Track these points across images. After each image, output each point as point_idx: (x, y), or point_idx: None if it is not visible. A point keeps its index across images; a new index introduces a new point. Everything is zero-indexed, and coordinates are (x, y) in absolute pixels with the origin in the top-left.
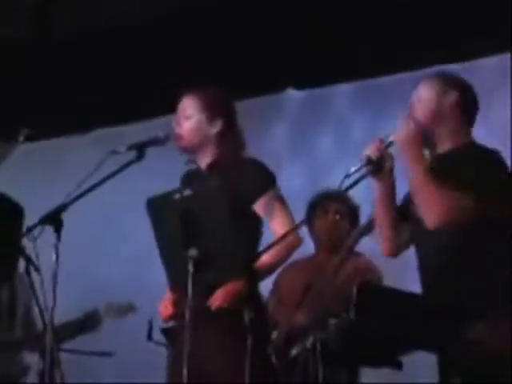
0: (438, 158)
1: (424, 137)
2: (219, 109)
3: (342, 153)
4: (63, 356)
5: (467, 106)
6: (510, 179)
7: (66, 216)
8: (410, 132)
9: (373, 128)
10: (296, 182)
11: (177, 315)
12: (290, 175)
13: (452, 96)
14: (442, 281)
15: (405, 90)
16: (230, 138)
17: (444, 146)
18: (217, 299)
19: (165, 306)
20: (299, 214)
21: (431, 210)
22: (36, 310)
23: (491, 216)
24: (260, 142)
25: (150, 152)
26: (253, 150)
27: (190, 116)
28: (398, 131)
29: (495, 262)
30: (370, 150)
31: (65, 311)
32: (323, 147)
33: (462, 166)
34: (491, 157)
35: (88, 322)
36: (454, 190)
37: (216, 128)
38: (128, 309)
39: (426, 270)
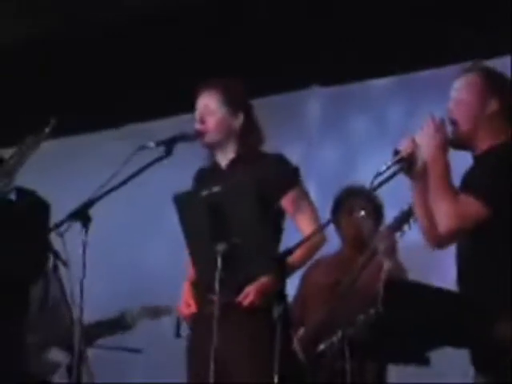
0: (476, 160)
1: (461, 139)
2: (240, 102)
3: (377, 143)
4: (92, 351)
5: (509, 108)
6: None
7: (98, 211)
8: (432, 133)
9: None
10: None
11: (197, 313)
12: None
13: (495, 104)
14: (474, 277)
15: (442, 84)
16: (251, 131)
17: (483, 146)
18: (248, 295)
19: (187, 303)
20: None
21: (444, 220)
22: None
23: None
24: (290, 135)
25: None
26: (281, 145)
27: (213, 112)
28: (421, 132)
29: None
30: (401, 147)
31: (100, 307)
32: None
33: (487, 171)
34: None
35: (121, 324)
36: (473, 196)
37: (239, 121)
38: (164, 311)
39: (459, 264)
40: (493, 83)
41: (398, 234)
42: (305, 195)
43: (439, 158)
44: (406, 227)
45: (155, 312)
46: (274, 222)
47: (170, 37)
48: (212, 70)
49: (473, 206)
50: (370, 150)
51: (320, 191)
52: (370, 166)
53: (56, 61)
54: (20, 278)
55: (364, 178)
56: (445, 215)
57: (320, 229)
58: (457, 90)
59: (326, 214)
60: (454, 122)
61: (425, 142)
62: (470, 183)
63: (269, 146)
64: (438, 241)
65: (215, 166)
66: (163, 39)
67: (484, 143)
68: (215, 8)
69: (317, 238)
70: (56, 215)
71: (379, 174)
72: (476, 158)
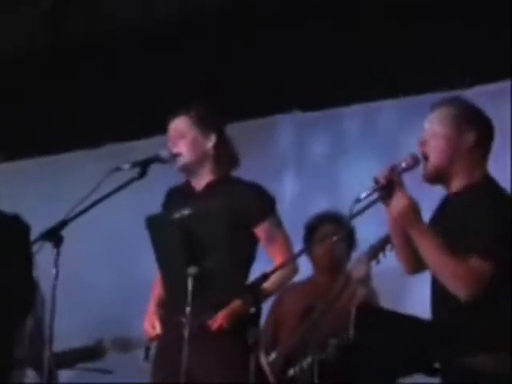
0: (453, 197)
1: (435, 174)
2: (211, 123)
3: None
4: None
5: (485, 144)
6: None
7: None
8: (406, 204)
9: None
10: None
11: (162, 335)
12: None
13: (471, 138)
14: (446, 305)
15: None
16: (225, 153)
17: (459, 182)
18: (218, 319)
19: (151, 325)
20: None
21: (459, 288)
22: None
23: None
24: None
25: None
26: (256, 171)
27: (184, 134)
28: (393, 205)
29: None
30: (381, 176)
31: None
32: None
33: (473, 212)
34: (502, 198)
35: (91, 353)
36: (479, 257)
37: (211, 142)
38: (135, 344)
39: (433, 292)
40: (469, 117)
41: (373, 262)
42: (278, 225)
43: (424, 229)
44: (381, 256)
45: (127, 345)
46: (247, 247)
47: (147, 58)
48: (188, 93)
49: (483, 269)
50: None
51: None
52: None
53: (30, 80)
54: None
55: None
56: (458, 284)
57: (294, 258)
58: (431, 123)
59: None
60: (426, 157)
61: (404, 220)
62: (457, 229)
63: (246, 171)
64: (414, 270)
65: (188, 187)
66: (141, 61)
67: (459, 179)
68: (189, 32)
69: (290, 268)
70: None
71: (358, 200)
72: (453, 196)
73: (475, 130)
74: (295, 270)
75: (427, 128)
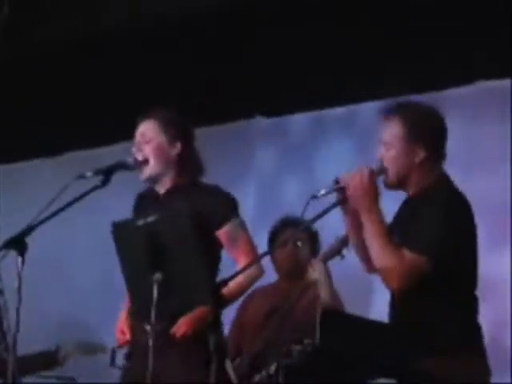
0: (410, 199)
1: (394, 184)
2: (178, 131)
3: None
4: (27, 381)
5: (437, 152)
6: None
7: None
8: (363, 182)
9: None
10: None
11: (131, 341)
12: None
13: (422, 153)
14: (405, 309)
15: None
16: (189, 161)
17: (416, 186)
18: (181, 326)
19: (121, 331)
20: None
21: (390, 280)
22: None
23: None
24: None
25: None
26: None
27: (150, 140)
28: (351, 180)
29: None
30: (343, 177)
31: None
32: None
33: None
34: (453, 199)
35: (51, 360)
36: (416, 251)
37: (176, 150)
38: (98, 349)
39: (392, 296)
40: (417, 131)
41: (333, 260)
42: (240, 227)
43: (373, 211)
44: (344, 251)
45: (90, 349)
46: (211, 252)
47: (113, 63)
48: (156, 98)
49: (418, 263)
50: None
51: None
52: None
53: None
54: None
55: None
56: (390, 275)
57: (256, 260)
58: (385, 136)
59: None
60: (384, 171)
61: (357, 192)
62: (405, 229)
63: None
64: (372, 268)
65: (154, 193)
66: (106, 65)
67: (416, 184)
68: (164, 35)
69: (254, 271)
70: None
71: (315, 196)
72: (410, 198)
73: (424, 146)
74: (260, 273)
75: (382, 139)
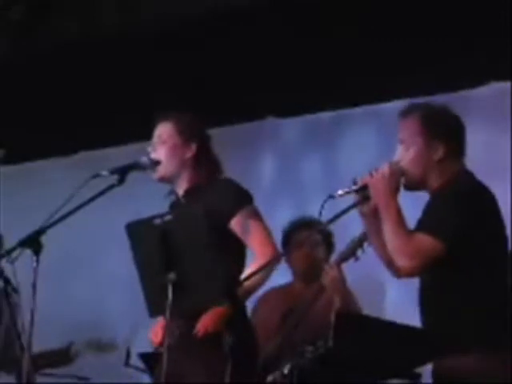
0: (431, 196)
1: (413, 184)
2: (193, 133)
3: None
4: (41, 380)
5: (456, 149)
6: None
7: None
8: (384, 178)
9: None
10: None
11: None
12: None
13: (441, 149)
14: (426, 311)
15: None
16: (205, 162)
17: (435, 183)
18: (203, 326)
19: (155, 332)
20: None
21: (401, 259)
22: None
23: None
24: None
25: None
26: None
27: (165, 141)
28: (372, 176)
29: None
30: (361, 179)
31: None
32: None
33: (436, 209)
34: (472, 192)
35: (63, 357)
36: (428, 233)
37: (191, 152)
38: (109, 346)
39: (419, 299)
40: (434, 127)
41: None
42: (253, 215)
43: (392, 204)
44: (359, 252)
45: (100, 345)
46: (232, 247)
47: (128, 65)
48: (170, 100)
49: (428, 244)
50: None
51: None
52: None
53: (12, 82)
54: None
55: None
56: (401, 255)
57: (269, 264)
58: (403, 135)
59: None
60: (404, 171)
61: (378, 186)
62: (424, 220)
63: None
64: (400, 274)
65: (177, 195)
66: (119, 65)
67: (436, 181)
68: (174, 38)
69: (270, 256)
70: (9, 242)
71: (332, 196)
72: (431, 194)
73: (444, 141)
74: (277, 257)
75: (400, 138)
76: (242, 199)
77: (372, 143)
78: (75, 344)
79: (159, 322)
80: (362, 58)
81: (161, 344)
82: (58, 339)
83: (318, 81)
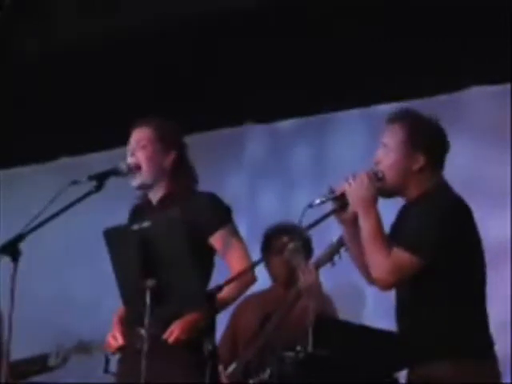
0: (407, 205)
1: (390, 191)
2: (172, 141)
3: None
4: None
5: (436, 160)
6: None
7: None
8: (363, 187)
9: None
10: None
11: (124, 346)
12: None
13: (422, 160)
14: (402, 320)
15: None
16: (183, 171)
17: (413, 193)
18: (174, 331)
19: (114, 336)
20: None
21: (379, 274)
22: None
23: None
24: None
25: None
26: (212, 183)
27: (145, 146)
28: (351, 185)
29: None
30: (338, 187)
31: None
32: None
33: (412, 221)
34: (449, 205)
35: (48, 362)
36: (407, 250)
37: (170, 159)
38: (98, 347)
39: (395, 307)
40: (418, 138)
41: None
42: (234, 233)
43: (372, 212)
44: (336, 258)
45: (89, 347)
46: (204, 258)
47: (107, 70)
48: (149, 106)
49: (407, 261)
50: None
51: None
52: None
53: None
54: None
55: None
56: (379, 270)
57: (250, 267)
58: (387, 140)
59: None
60: (381, 178)
61: (356, 194)
62: (400, 233)
63: (208, 182)
64: (375, 285)
65: (148, 202)
66: (99, 72)
67: (413, 191)
68: (161, 44)
69: (247, 277)
70: None
71: (311, 205)
72: (405, 206)
73: (424, 151)
74: (253, 280)
75: (382, 145)
76: (225, 216)
77: (362, 143)
78: (63, 348)
79: (116, 326)
80: (361, 59)
81: (119, 349)
82: (53, 342)
83: (317, 81)
